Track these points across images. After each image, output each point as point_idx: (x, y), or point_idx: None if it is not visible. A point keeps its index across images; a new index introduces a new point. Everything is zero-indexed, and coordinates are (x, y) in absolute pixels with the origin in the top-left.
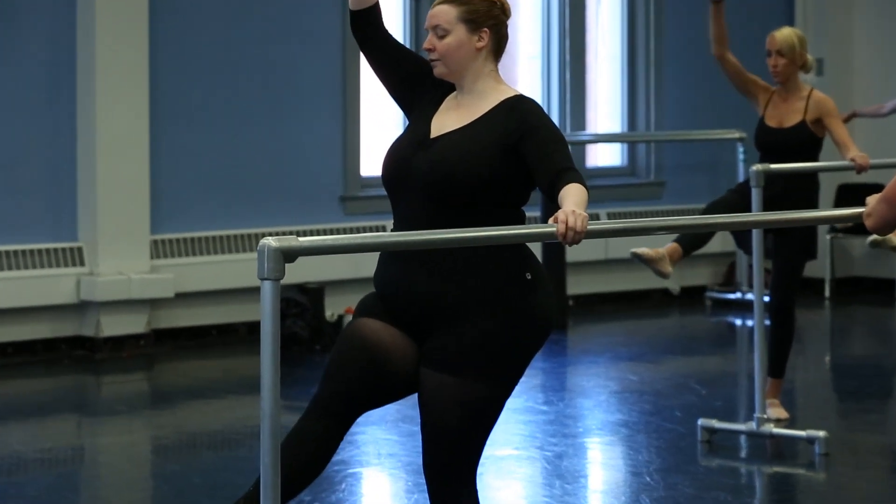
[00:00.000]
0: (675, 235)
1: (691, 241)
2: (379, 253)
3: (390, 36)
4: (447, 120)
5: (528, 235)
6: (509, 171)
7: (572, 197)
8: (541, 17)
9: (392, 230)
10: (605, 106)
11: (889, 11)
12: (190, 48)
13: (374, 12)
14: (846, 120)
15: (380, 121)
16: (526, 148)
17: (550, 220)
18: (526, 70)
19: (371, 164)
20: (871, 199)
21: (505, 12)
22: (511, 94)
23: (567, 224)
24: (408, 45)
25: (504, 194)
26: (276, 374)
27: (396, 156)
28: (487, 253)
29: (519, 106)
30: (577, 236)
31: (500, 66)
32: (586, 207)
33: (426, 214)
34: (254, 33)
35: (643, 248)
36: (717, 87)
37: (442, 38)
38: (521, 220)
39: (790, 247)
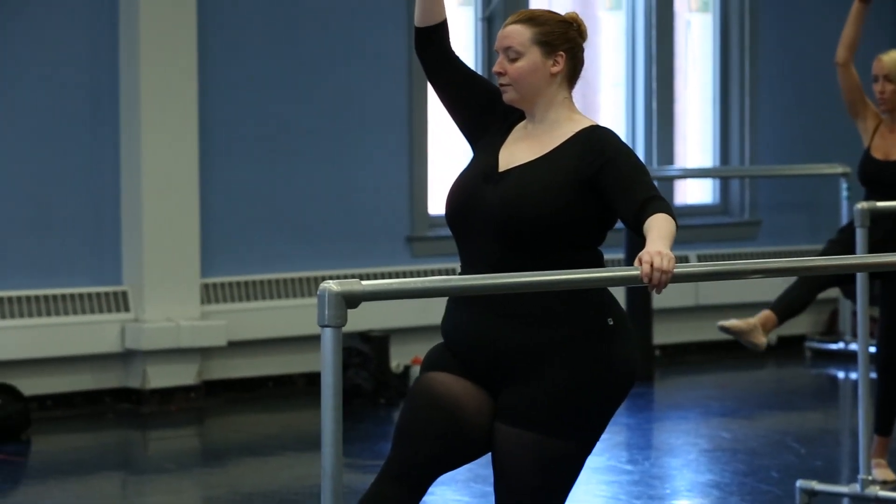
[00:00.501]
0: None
1: (788, 306)
2: (447, 298)
3: (458, 58)
4: (517, 151)
5: (610, 279)
6: (586, 208)
7: (657, 230)
8: (625, 40)
9: (459, 273)
10: (696, 138)
11: None
12: (242, 76)
13: (442, 30)
14: None
15: (449, 155)
16: (605, 181)
17: (635, 262)
18: (609, 98)
19: (440, 202)
20: None
21: (582, 35)
22: (586, 124)
23: (653, 266)
24: (478, 70)
25: (580, 233)
26: (337, 430)
27: (462, 191)
28: (565, 297)
29: (594, 136)
30: (664, 278)
31: (581, 94)
32: (674, 240)
33: (496, 256)
34: (312, 60)
35: (731, 319)
36: (818, 119)
37: (514, 60)
38: (599, 261)
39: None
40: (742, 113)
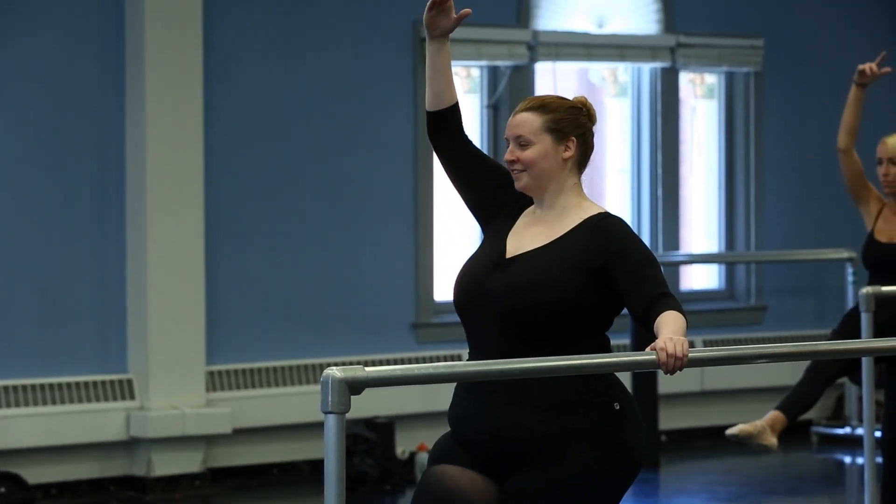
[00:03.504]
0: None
1: (797, 403)
2: (454, 386)
3: (470, 142)
4: (525, 238)
5: (624, 364)
6: (594, 297)
7: (670, 325)
8: (631, 126)
9: (468, 359)
10: (701, 223)
11: None
12: (248, 162)
13: (453, 114)
14: None
15: (455, 241)
16: (615, 273)
17: (648, 349)
18: (614, 184)
19: (446, 288)
20: None
21: (591, 119)
22: (595, 210)
23: (667, 352)
24: (485, 151)
25: (587, 321)
26: None
27: (469, 277)
28: (572, 383)
29: (604, 225)
30: (679, 363)
31: (588, 179)
32: (685, 336)
33: (503, 342)
34: (317, 146)
35: (738, 425)
36: (824, 203)
37: (525, 148)
38: (606, 347)
39: None
40: (747, 198)
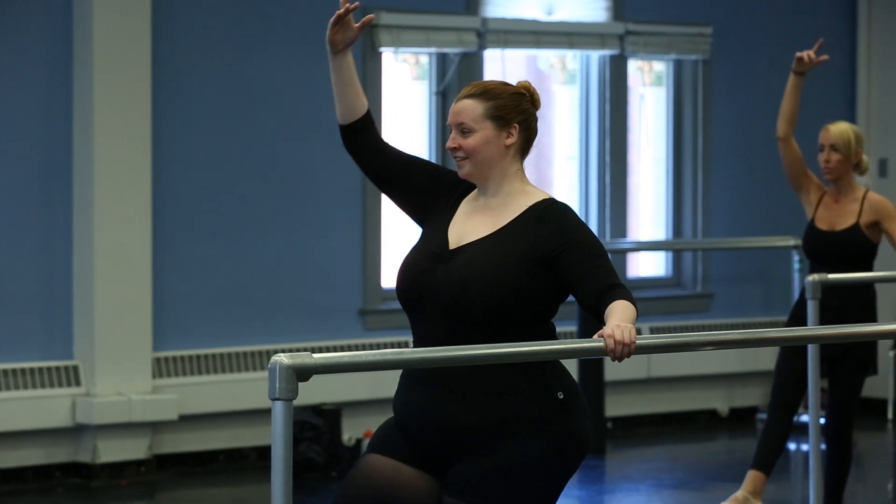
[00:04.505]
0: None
1: (768, 454)
2: (400, 374)
3: (390, 145)
4: (468, 227)
5: (572, 351)
6: (540, 286)
7: (619, 313)
8: (579, 113)
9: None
10: (649, 211)
11: None
12: (196, 151)
13: (368, 121)
14: None
15: (403, 228)
16: (564, 263)
17: (596, 335)
18: (562, 171)
19: (392, 275)
20: None
21: (535, 104)
22: (541, 197)
23: (615, 339)
24: (432, 144)
25: (534, 309)
26: None
27: (412, 270)
28: (516, 372)
29: (551, 213)
30: (627, 350)
31: (535, 167)
32: (634, 321)
33: (449, 333)
34: (265, 134)
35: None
36: (770, 191)
37: (467, 135)
38: (552, 335)
39: (847, 364)
40: (695, 186)
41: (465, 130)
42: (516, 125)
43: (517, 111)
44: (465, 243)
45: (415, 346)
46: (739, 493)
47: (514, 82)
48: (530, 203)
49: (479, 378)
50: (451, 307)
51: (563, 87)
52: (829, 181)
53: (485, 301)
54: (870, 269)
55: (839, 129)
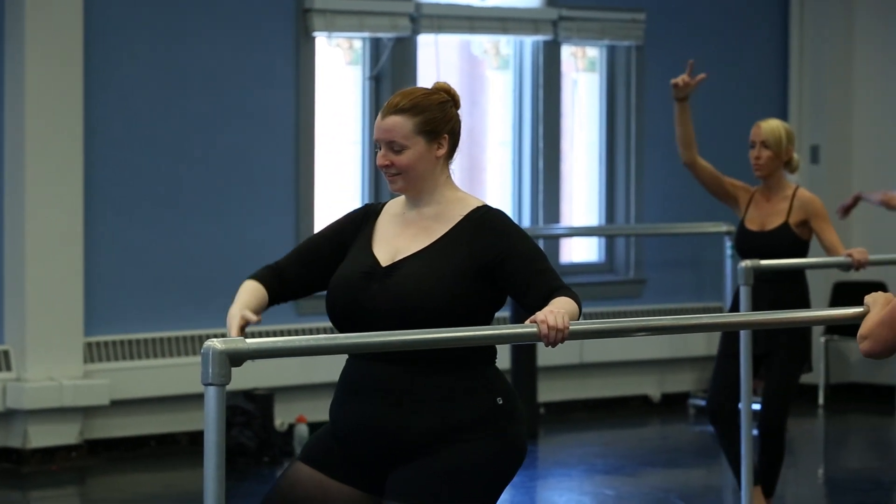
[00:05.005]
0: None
1: (769, 469)
2: (336, 384)
3: (289, 270)
4: (400, 242)
5: (505, 336)
6: (481, 295)
7: (558, 303)
8: (512, 99)
9: (346, 366)
10: (582, 196)
11: (889, 96)
12: (128, 134)
13: (277, 297)
14: (852, 204)
15: (337, 214)
16: (507, 271)
17: (529, 321)
18: (495, 157)
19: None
20: (871, 299)
21: (457, 104)
22: (474, 204)
23: (548, 324)
24: (367, 123)
25: (475, 319)
26: (220, 489)
27: (345, 291)
28: (455, 379)
29: (487, 221)
30: (560, 335)
31: (468, 153)
32: (574, 317)
33: (387, 352)
34: (198, 118)
35: None
36: None
37: (399, 152)
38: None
39: (783, 359)
40: (628, 172)
41: (396, 149)
42: (446, 135)
43: (445, 121)
44: (402, 258)
45: (352, 361)
46: None
47: (429, 86)
48: (465, 211)
49: (417, 386)
50: (393, 323)
51: (496, 72)
52: (759, 178)
53: (427, 314)
54: (803, 275)
55: (770, 125)
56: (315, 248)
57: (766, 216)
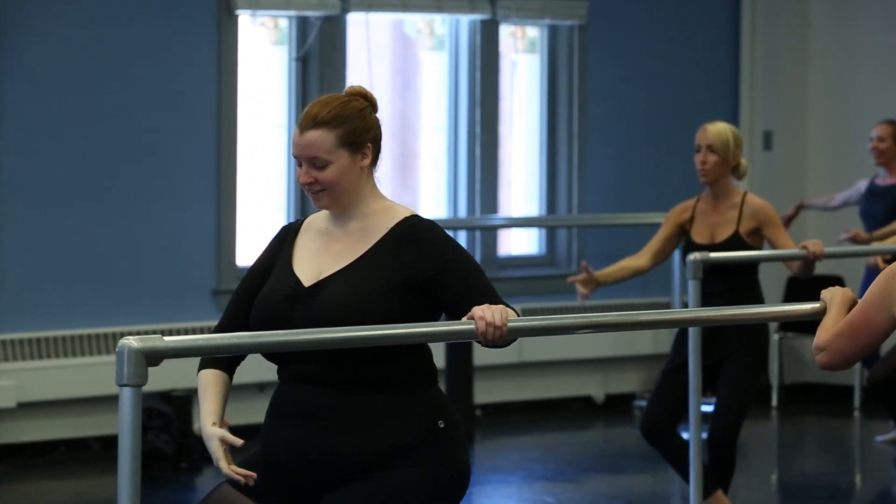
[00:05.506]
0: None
1: (724, 468)
2: (266, 410)
3: (243, 323)
4: (326, 260)
5: (441, 334)
6: (413, 311)
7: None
8: (448, 82)
9: (277, 390)
10: (521, 185)
11: (846, 78)
12: (42, 120)
13: (236, 357)
14: (794, 215)
15: (260, 203)
16: (441, 287)
17: (466, 317)
18: (429, 143)
19: (249, 252)
20: (828, 295)
21: (375, 108)
22: (403, 214)
23: (486, 320)
24: (293, 107)
25: None
26: (135, 498)
27: (267, 316)
28: (394, 401)
29: (417, 234)
30: (499, 332)
31: (401, 139)
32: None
33: (320, 374)
34: (114, 101)
35: None
36: (649, 165)
37: (322, 168)
38: (429, 359)
39: (739, 371)
40: (570, 159)
41: (319, 165)
42: (369, 144)
43: (367, 129)
44: (325, 277)
45: (283, 385)
46: None
47: (342, 92)
48: (393, 222)
49: (352, 408)
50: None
51: (430, 53)
52: (704, 184)
53: None
54: (755, 275)
55: (717, 129)
56: (247, 296)
57: (714, 227)
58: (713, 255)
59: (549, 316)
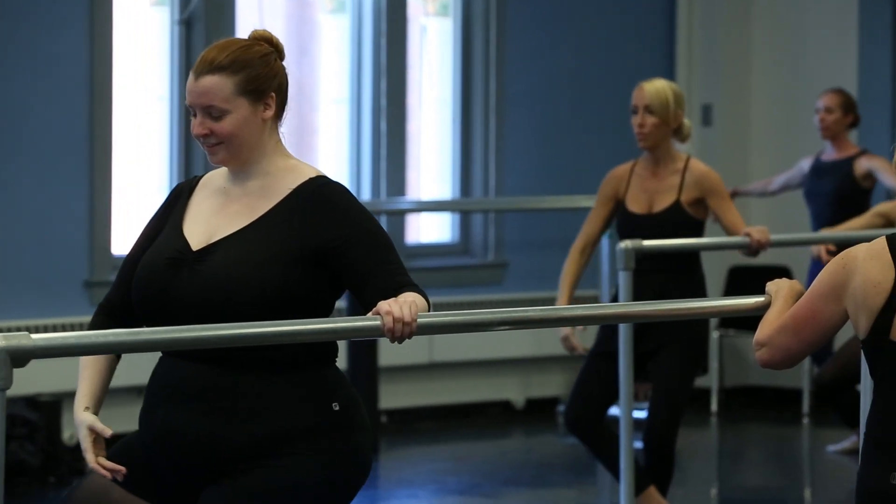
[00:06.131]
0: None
1: (662, 469)
2: (146, 388)
3: (125, 292)
4: (220, 222)
5: (342, 330)
6: (313, 285)
7: (405, 296)
8: (350, 49)
9: (158, 363)
10: (432, 164)
11: (792, 48)
12: None
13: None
14: None
15: (138, 185)
16: (347, 259)
17: (371, 312)
18: (329, 117)
19: (125, 240)
20: (773, 287)
21: (281, 56)
22: (309, 174)
23: (393, 315)
24: (176, 76)
25: (307, 313)
26: None
27: (149, 281)
28: (283, 383)
29: (322, 198)
30: (407, 328)
31: (297, 113)
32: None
33: (205, 350)
34: None
35: None
36: (575, 142)
37: (219, 118)
38: (332, 341)
39: (674, 359)
40: (486, 136)
41: (215, 115)
42: (272, 94)
43: (270, 77)
44: (217, 240)
45: (163, 359)
46: None
47: (245, 36)
48: (297, 183)
49: (238, 389)
50: (205, 319)
51: (330, 16)
52: (643, 149)
53: (246, 307)
54: (697, 251)
55: (655, 87)
56: (134, 263)
57: (653, 195)
58: (646, 243)
59: (464, 311)
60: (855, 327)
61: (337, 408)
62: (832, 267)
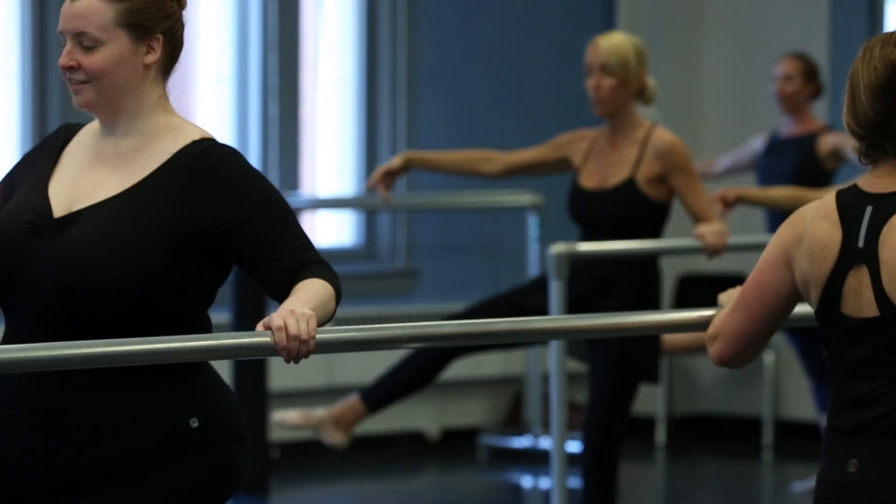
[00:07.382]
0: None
1: (389, 390)
2: None
3: None
4: (86, 185)
5: (226, 349)
6: (191, 267)
7: (302, 294)
8: (233, 19)
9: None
10: (331, 154)
11: (747, 13)
12: None
13: None
14: None
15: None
16: (238, 238)
17: (260, 326)
18: (209, 98)
19: None
20: (726, 298)
21: (181, 3)
22: (194, 135)
23: (288, 331)
24: (28, 54)
25: (183, 301)
26: None
27: (2, 246)
28: (133, 393)
29: (209, 163)
30: (305, 347)
31: (171, 94)
32: (327, 316)
33: (55, 334)
34: None
35: (290, 412)
36: (498, 129)
37: (90, 50)
38: (199, 323)
39: (611, 367)
40: (394, 121)
41: (87, 45)
42: (159, 36)
43: (161, 15)
44: (81, 208)
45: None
46: (322, 412)
47: None
48: (180, 145)
49: (81, 402)
50: (60, 300)
51: None
52: (601, 116)
53: (109, 291)
54: (658, 237)
55: (612, 43)
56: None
57: (608, 168)
58: (580, 247)
59: (368, 326)
60: (806, 299)
61: (196, 424)
62: (780, 230)
